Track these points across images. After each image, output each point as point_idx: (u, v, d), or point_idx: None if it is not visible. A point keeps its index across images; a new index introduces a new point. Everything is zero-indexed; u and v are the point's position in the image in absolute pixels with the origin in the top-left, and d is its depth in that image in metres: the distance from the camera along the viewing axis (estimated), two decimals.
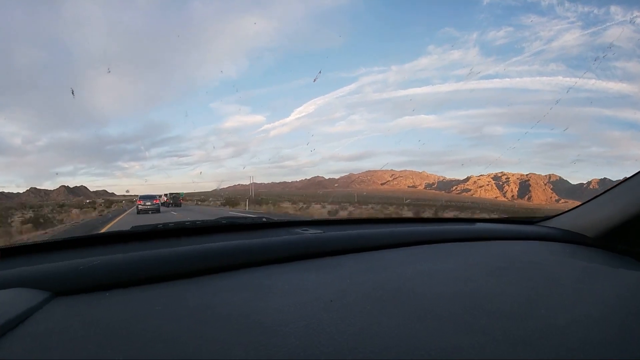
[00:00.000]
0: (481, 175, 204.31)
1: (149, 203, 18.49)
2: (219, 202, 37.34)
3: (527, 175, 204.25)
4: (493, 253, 0.93)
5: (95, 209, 27.49)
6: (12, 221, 15.42)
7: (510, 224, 1.35)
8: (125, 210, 22.58)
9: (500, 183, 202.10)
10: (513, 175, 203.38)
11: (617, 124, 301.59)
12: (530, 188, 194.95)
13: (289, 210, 21.33)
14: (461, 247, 0.98)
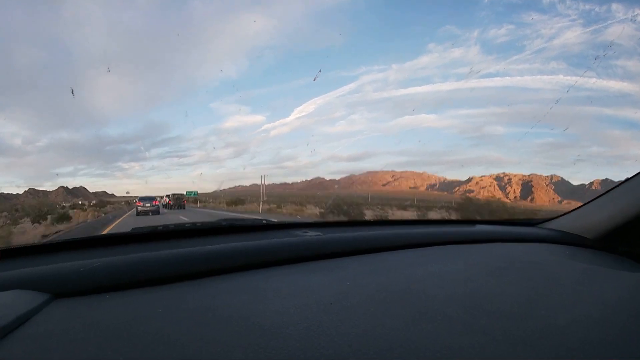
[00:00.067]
0: (483, 176, 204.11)
1: (149, 205, 18.27)
2: (222, 204, 34.03)
3: (529, 175, 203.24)
4: (493, 254, 0.93)
5: (84, 210, 25.20)
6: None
7: (509, 225, 1.35)
8: (119, 216, 17.26)
9: (503, 184, 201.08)
10: (515, 176, 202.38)
11: (617, 124, 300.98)
12: (532, 189, 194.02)
13: (314, 213, 16.98)
14: (461, 248, 0.98)
